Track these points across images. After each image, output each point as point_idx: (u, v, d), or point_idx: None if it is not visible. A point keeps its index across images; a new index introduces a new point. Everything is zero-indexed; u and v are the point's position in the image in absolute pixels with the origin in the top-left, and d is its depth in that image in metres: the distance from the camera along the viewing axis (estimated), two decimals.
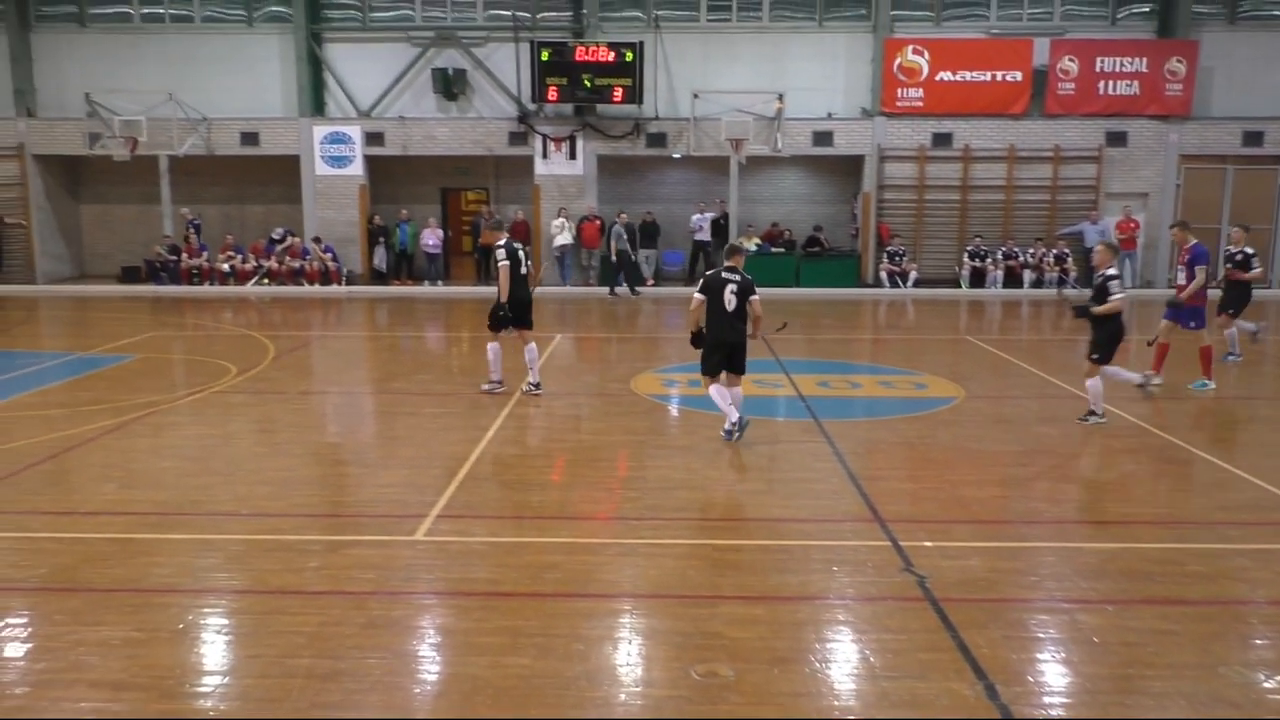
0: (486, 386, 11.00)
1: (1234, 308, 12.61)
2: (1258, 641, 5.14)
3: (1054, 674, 4.75)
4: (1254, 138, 22.26)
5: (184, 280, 22.53)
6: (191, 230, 23.02)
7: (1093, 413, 9.62)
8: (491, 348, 10.93)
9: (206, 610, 5.41)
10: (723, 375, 8.87)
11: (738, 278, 8.71)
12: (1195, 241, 11.50)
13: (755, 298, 8.68)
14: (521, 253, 10.78)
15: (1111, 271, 9.42)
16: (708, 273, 9.10)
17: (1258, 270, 12.52)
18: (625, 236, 21.25)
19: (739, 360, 8.86)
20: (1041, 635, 5.14)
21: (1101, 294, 9.37)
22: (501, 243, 10.68)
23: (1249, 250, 12.42)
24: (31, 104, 23.14)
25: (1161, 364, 11.35)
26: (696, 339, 8.94)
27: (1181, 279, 11.53)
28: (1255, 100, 22.26)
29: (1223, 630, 5.18)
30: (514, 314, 10.66)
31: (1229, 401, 11.15)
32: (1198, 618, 5.31)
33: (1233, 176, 22.57)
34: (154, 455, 8.57)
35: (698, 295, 8.82)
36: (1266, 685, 4.65)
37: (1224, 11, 22.40)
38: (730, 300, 8.66)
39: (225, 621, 5.31)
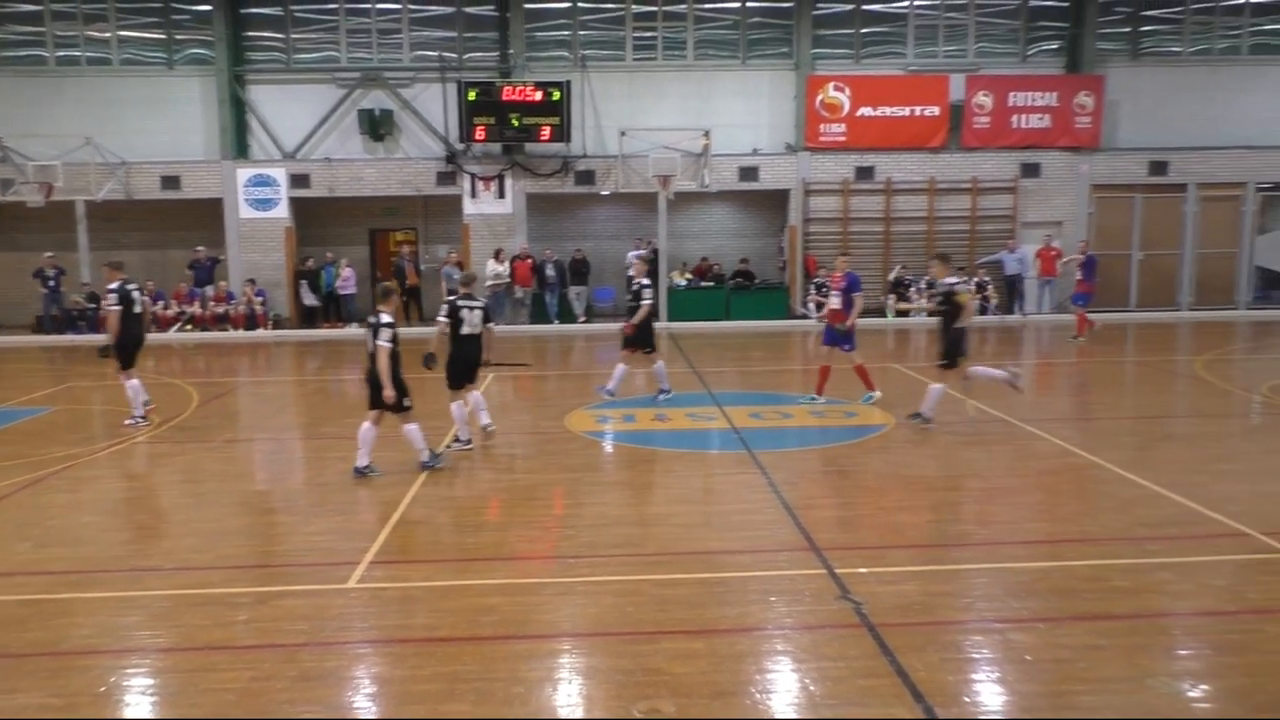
0: (131, 421, 11.53)
1: (647, 345, 12.52)
2: (1182, 652, 5.29)
3: (990, 694, 4.82)
4: (1159, 167, 23.29)
5: (101, 328, 21.90)
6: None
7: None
8: (130, 385, 11.59)
9: (130, 671, 5.22)
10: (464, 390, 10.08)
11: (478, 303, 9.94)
12: (849, 270, 12.31)
13: (439, 322, 9.95)
14: (136, 293, 11.54)
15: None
16: (448, 299, 10.15)
17: (647, 304, 12.28)
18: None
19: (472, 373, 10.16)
20: (976, 656, 5.22)
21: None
22: (114, 286, 11.36)
23: (645, 281, 12.43)
24: None
25: (823, 386, 12.33)
26: (429, 360, 9.96)
27: (836, 304, 12.22)
28: (1159, 132, 23.32)
29: (1149, 643, 5.32)
30: (127, 351, 11.51)
31: (1145, 422, 11.59)
32: (1125, 632, 5.44)
33: (1141, 204, 23.52)
34: (73, 510, 8.28)
35: (442, 319, 9.99)
36: (1192, 695, 4.78)
37: (1127, 48, 23.48)
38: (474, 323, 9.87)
39: (150, 682, 5.13)
